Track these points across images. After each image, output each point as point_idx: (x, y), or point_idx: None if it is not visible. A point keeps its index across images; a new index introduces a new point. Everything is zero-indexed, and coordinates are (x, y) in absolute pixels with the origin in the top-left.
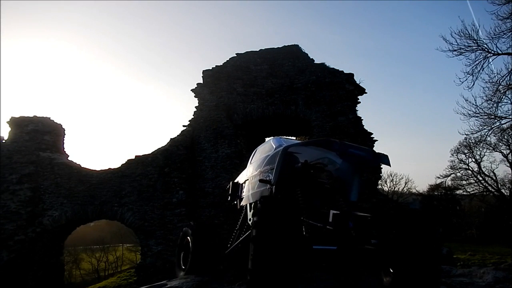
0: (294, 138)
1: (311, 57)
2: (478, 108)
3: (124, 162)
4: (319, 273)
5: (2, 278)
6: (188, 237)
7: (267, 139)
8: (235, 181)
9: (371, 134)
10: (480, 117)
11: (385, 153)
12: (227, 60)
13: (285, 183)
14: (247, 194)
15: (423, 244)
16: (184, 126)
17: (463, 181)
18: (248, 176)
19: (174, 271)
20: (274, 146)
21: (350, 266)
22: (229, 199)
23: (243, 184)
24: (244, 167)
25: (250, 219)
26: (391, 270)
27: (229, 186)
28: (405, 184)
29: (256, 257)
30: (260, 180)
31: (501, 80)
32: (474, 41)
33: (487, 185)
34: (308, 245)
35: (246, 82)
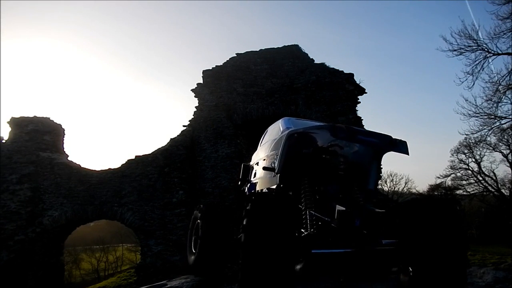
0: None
1: (311, 57)
2: (478, 108)
3: (124, 162)
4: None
5: (2, 278)
6: (198, 221)
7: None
8: (247, 163)
9: None
10: (480, 117)
11: (402, 140)
12: (227, 60)
13: (291, 171)
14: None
15: (451, 239)
16: (184, 126)
17: (463, 181)
18: (257, 160)
19: (186, 256)
20: (282, 129)
21: (357, 270)
22: (239, 183)
23: (253, 168)
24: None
25: None
26: (410, 269)
27: (241, 169)
28: (405, 184)
29: (245, 266)
30: (264, 168)
31: (501, 80)
32: (474, 41)
33: (487, 185)
34: (306, 249)
35: (246, 82)
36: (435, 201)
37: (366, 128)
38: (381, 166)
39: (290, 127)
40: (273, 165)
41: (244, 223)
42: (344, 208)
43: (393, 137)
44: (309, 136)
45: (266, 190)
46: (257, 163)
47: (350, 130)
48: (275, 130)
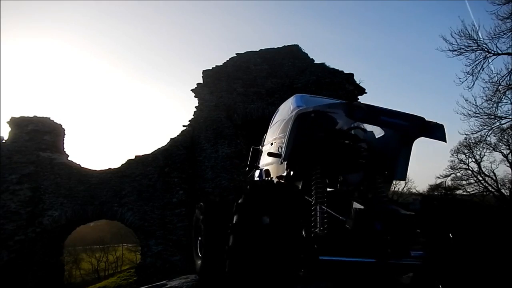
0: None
1: (311, 57)
2: (478, 108)
3: (124, 162)
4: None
5: (2, 278)
6: (200, 221)
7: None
8: (256, 147)
9: None
10: (480, 117)
11: (438, 123)
12: (227, 60)
13: (300, 158)
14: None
15: (502, 255)
16: (184, 126)
17: (463, 181)
18: (266, 143)
19: (193, 259)
20: (292, 108)
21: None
22: (247, 169)
23: (262, 152)
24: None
25: None
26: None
27: (250, 153)
28: (405, 184)
29: (233, 278)
30: (269, 154)
31: (501, 80)
32: (474, 41)
33: (487, 185)
34: (312, 255)
35: (246, 82)
36: (485, 208)
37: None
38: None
39: (301, 105)
40: (280, 150)
41: (234, 220)
42: (362, 207)
43: (427, 120)
44: (324, 117)
45: (275, 179)
46: (266, 147)
47: (370, 109)
48: (286, 109)
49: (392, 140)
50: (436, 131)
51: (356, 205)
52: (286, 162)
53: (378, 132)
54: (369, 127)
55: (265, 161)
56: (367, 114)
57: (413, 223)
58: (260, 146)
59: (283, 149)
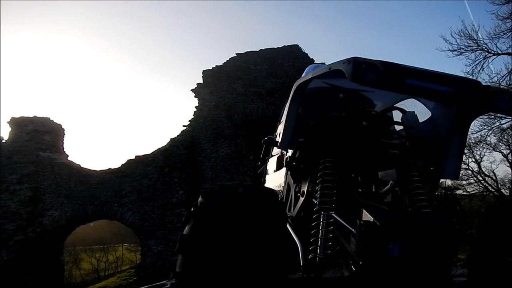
0: None
1: (311, 57)
2: None
3: (124, 162)
4: None
5: (2, 278)
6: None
7: None
8: (270, 136)
9: None
10: (480, 117)
11: (504, 88)
12: (227, 60)
13: (302, 146)
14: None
15: None
16: (184, 126)
17: (463, 181)
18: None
19: None
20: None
21: None
22: (258, 163)
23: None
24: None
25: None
26: None
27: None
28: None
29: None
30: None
31: (501, 80)
32: (474, 41)
33: (487, 185)
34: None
35: (246, 82)
36: None
37: None
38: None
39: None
40: (277, 137)
41: (185, 231)
42: (371, 219)
43: (484, 84)
44: (339, 91)
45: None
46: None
47: (388, 68)
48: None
49: (442, 124)
50: (501, 101)
51: (366, 215)
52: (286, 153)
53: (423, 113)
54: (409, 107)
55: (273, 153)
56: (383, 75)
57: (454, 243)
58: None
59: (280, 135)
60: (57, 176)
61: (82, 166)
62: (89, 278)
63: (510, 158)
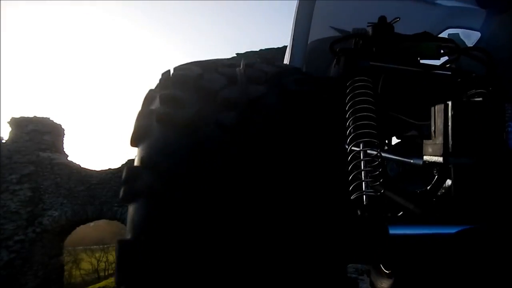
0: None
1: None
2: None
3: (124, 162)
4: None
5: (2, 278)
6: None
7: None
8: None
9: None
10: None
11: None
12: None
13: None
14: None
15: None
16: None
17: None
18: None
19: None
20: None
21: None
22: None
23: None
24: None
25: None
26: None
27: None
28: None
29: None
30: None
31: None
32: None
33: None
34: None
35: None
36: None
37: None
38: None
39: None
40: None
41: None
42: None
43: None
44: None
45: None
46: None
47: None
48: None
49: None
50: None
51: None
52: None
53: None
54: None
55: None
56: None
57: None
58: None
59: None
60: (57, 176)
61: (82, 166)
62: (89, 278)
63: None
